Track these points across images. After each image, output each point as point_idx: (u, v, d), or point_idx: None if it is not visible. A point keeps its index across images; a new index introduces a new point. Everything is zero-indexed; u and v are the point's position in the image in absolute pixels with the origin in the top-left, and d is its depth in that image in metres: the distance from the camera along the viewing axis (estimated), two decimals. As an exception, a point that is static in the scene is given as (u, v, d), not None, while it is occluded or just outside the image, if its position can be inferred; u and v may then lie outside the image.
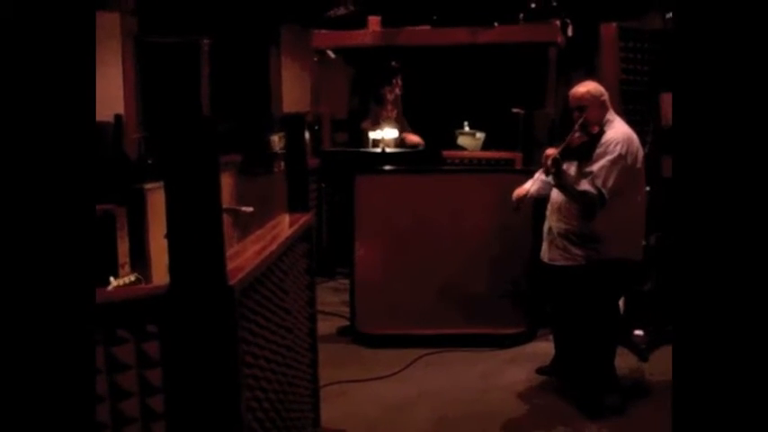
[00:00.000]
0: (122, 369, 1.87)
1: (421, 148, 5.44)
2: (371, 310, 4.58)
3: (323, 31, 5.70)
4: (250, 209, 2.96)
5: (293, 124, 3.27)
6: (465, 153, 5.99)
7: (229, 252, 2.40)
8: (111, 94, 5.93)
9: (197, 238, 1.91)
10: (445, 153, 5.56)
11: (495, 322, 4.49)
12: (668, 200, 3.93)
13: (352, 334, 4.65)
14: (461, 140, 6.61)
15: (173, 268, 1.91)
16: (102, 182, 4.31)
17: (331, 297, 5.54)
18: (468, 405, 3.69)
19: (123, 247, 3.45)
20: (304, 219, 3.14)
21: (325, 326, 4.90)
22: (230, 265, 2.18)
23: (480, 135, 6.56)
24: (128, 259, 3.47)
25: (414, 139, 5.29)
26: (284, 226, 2.92)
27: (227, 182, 4.83)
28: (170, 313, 1.91)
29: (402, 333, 4.51)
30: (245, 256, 2.38)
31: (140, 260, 3.65)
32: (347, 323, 4.74)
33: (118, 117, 3.99)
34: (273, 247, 2.53)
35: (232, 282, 2.02)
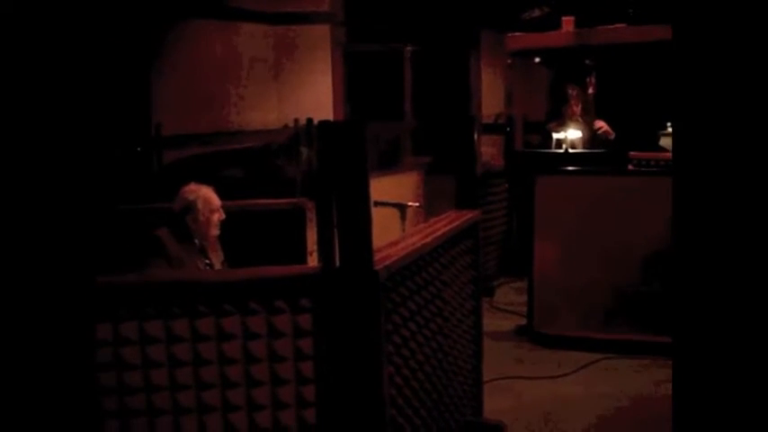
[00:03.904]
0: (279, 336, 2.18)
1: (611, 137, 5.34)
2: (549, 310, 4.59)
3: (516, 34, 5.79)
4: (416, 203, 3.18)
5: (463, 125, 3.44)
6: (659, 154, 5.75)
7: (387, 242, 2.64)
8: (322, 101, 6.56)
9: (345, 226, 2.17)
10: (638, 155, 5.40)
11: (678, 331, 4.29)
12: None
13: (528, 333, 4.71)
14: (664, 142, 6.35)
15: (323, 252, 2.19)
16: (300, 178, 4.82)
17: (516, 296, 5.61)
18: (633, 411, 3.61)
19: (312, 237, 3.86)
20: (468, 216, 3.29)
21: (505, 323, 5.03)
22: (381, 254, 2.42)
23: (684, 136, 6.23)
24: (315, 247, 3.85)
25: (603, 124, 5.25)
26: (446, 222, 3.10)
27: (411, 180, 5.15)
28: (321, 290, 2.20)
29: (578, 335, 4.47)
30: (399, 246, 2.60)
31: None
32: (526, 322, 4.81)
33: (296, 120, 4.40)
34: (428, 240, 2.72)
35: (378, 267, 2.25)
